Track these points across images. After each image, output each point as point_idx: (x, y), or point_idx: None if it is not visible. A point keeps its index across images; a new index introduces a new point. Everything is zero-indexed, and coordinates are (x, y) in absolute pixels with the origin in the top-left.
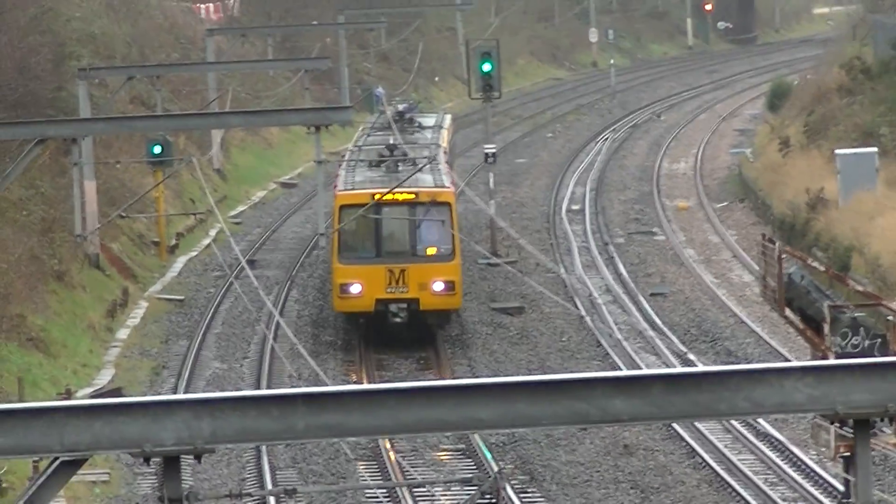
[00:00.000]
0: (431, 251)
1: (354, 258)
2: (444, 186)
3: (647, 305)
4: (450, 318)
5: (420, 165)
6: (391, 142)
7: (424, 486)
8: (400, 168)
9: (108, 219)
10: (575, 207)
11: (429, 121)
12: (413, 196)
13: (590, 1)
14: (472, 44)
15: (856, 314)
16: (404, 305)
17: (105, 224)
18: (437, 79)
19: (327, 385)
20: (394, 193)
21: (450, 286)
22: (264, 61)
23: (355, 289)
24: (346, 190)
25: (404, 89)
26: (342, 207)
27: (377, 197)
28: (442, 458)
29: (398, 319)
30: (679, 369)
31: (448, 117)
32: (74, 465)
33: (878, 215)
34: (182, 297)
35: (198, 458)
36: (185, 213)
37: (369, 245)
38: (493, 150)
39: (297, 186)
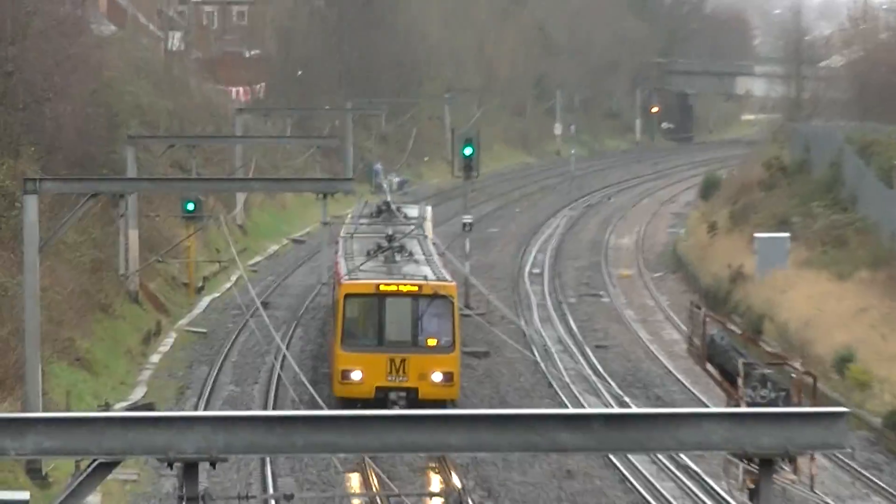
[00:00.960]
0: (432, 342)
1: (357, 346)
2: (446, 280)
3: (592, 355)
4: (445, 407)
5: (415, 256)
6: (389, 232)
7: (400, 497)
8: (398, 258)
9: (147, 262)
10: (536, 271)
11: (412, 212)
12: (416, 288)
13: (556, 100)
14: (457, 131)
15: (765, 370)
16: (403, 394)
17: (144, 266)
18: (426, 158)
19: (324, 409)
20: (398, 285)
21: (448, 377)
22: (283, 137)
23: (356, 375)
24: (351, 279)
25: (399, 166)
26: (347, 296)
27: (382, 288)
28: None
29: (397, 407)
30: (616, 410)
31: (429, 209)
32: (110, 466)
33: (787, 289)
34: (205, 331)
35: (213, 464)
36: (211, 261)
37: (372, 334)
38: (470, 220)
39: (306, 242)
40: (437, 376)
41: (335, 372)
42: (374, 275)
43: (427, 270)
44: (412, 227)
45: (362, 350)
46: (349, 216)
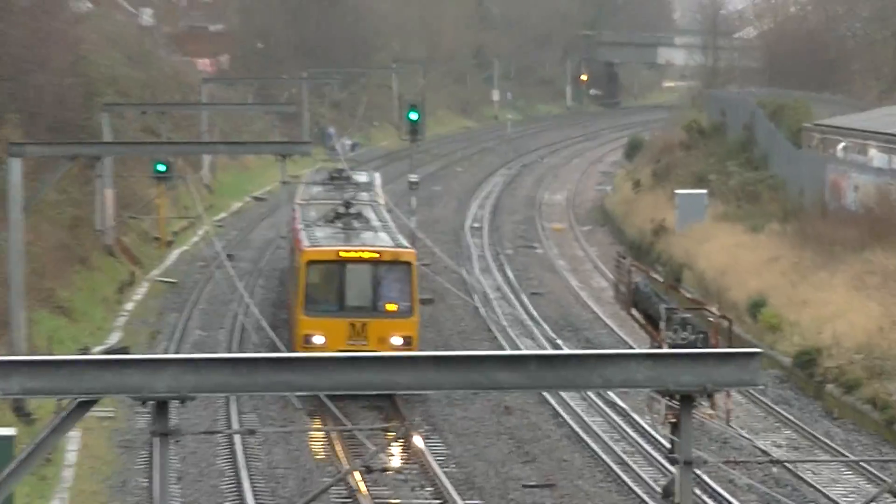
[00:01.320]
0: (392, 307)
1: (318, 311)
2: (405, 247)
3: (527, 302)
4: None
5: (369, 221)
6: (345, 198)
7: (352, 431)
8: (356, 225)
9: (122, 219)
10: (476, 225)
11: (362, 178)
12: (377, 255)
13: (494, 70)
14: (404, 98)
15: (685, 315)
16: None
17: (119, 222)
18: (375, 123)
19: (282, 352)
20: (358, 251)
21: (408, 341)
22: (245, 104)
23: (318, 340)
24: (312, 246)
25: (350, 130)
26: (309, 263)
27: (342, 254)
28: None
29: None
30: (549, 351)
31: (377, 175)
32: (89, 404)
33: (704, 241)
34: (175, 281)
35: (182, 402)
36: (180, 217)
37: (333, 299)
38: (416, 179)
39: (266, 200)
40: (396, 340)
41: (297, 337)
42: (334, 241)
43: (386, 237)
44: (366, 193)
45: (324, 315)
46: (303, 182)
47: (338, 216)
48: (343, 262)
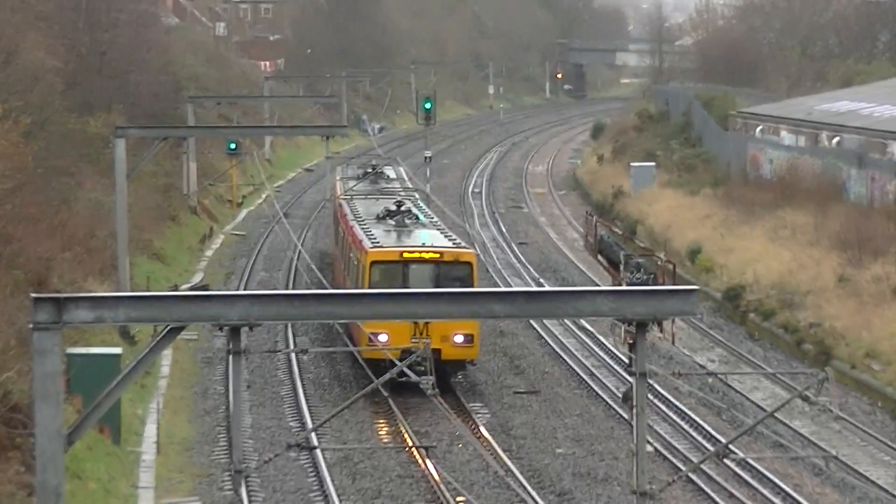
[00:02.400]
0: None
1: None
2: (465, 248)
3: (516, 249)
4: (465, 367)
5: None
6: (398, 197)
7: (382, 350)
8: (409, 223)
9: (202, 185)
10: (476, 190)
11: (391, 172)
12: (439, 255)
13: (489, 70)
14: (420, 92)
15: (639, 260)
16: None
17: (200, 188)
18: (398, 111)
19: (327, 289)
20: (421, 252)
21: (469, 339)
22: (297, 97)
23: (382, 338)
24: (375, 247)
25: (378, 117)
26: (373, 263)
27: (405, 255)
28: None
29: (421, 368)
30: (534, 288)
31: (402, 169)
32: (178, 330)
33: (653, 203)
34: (244, 233)
35: (251, 328)
36: (247, 184)
37: None
38: (430, 154)
39: (314, 171)
40: (458, 338)
41: (362, 334)
42: (396, 242)
43: (444, 237)
44: (413, 191)
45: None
46: (339, 178)
47: (389, 214)
48: (406, 263)
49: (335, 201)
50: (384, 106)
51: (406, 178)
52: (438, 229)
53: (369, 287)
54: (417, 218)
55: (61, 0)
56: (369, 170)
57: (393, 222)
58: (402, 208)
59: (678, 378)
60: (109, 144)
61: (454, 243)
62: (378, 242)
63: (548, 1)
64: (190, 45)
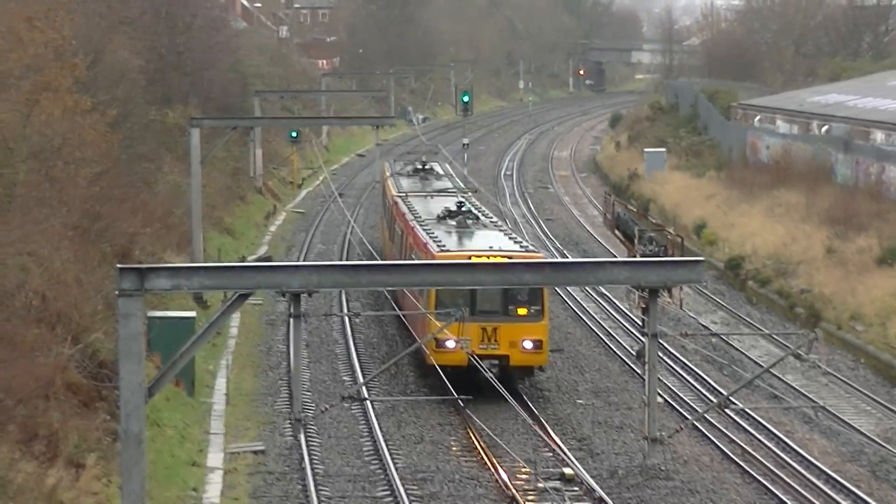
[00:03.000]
0: (522, 311)
1: (449, 316)
2: (534, 251)
3: (543, 225)
4: (533, 372)
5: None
6: (459, 199)
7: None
8: (469, 224)
9: (267, 169)
10: (507, 173)
11: (438, 168)
12: (508, 259)
13: (520, 67)
14: (458, 86)
15: (651, 234)
16: (496, 362)
17: (265, 171)
18: (439, 104)
19: (377, 260)
20: (489, 256)
21: (538, 345)
22: (350, 91)
23: (450, 344)
24: (442, 251)
25: (422, 109)
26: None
27: (474, 259)
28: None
29: (492, 371)
30: (559, 259)
31: (447, 165)
32: (246, 296)
33: (664, 184)
34: (304, 211)
35: (310, 294)
36: (306, 168)
37: (464, 304)
38: (467, 142)
39: (365, 156)
40: (527, 344)
41: (429, 342)
42: (462, 245)
43: (508, 239)
44: (468, 191)
45: (455, 320)
46: (390, 175)
47: (450, 214)
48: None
49: (389, 198)
50: (427, 99)
51: (454, 174)
52: (501, 231)
53: (437, 292)
54: (477, 218)
55: (143, 6)
56: (419, 166)
57: (454, 223)
58: (463, 208)
59: (685, 338)
60: (185, 134)
61: (522, 246)
62: (444, 245)
63: (571, 6)
64: (256, 46)
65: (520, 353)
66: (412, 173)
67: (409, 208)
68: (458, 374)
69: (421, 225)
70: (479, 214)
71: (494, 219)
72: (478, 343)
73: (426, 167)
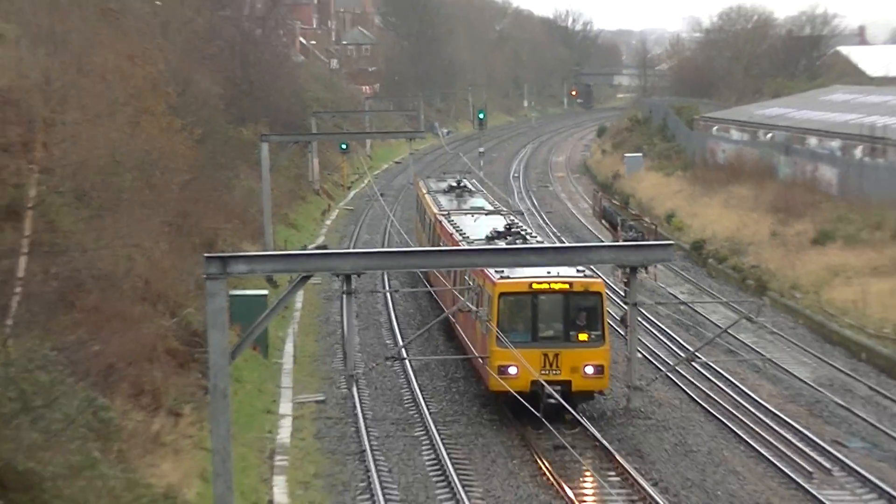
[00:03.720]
0: (583, 337)
1: (511, 342)
2: (593, 277)
3: (544, 216)
4: (594, 396)
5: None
6: (509, 221)
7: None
8: (518, 245)
9: (322, 174)
10: (515, 175)
11: (470, 185)
12: (567, 286)
13: (524, 89)
14: (475, 105)
15: (631, 222)
16: (557, 387)
17: (321, 176)
18: (459, 120)
19: (412, 247)
20: (549, 283)
21: (599, 370)
22: (388, 111)
23: (512, 370)
24: (502, 279)
25: (446, 124)
26: (501, 295)
27: (534, 286)
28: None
29: (552, 401)
30: (557, 244)
31: (475, 181)
32: (308, 277)
33: (641, 182)
34: (352, 208)
35: (358, 275)
36: (353, 173)
37: (525, 330)
38: (482, 150)
39: (401, 163)
40: (588, 369)
41: (491, 367)
42: (524, 273)
43: (567, 267)
44: (517, 212)
45: (517, 346)
46: (429, 192)
47: (500, 235)
48: (535, 294)
49: (430, 216)
50: (450, 116)
51: (485, 191)
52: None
53: (498, 319)
54: (525, 240)
55: (221, 45)
56: (454, 184)
57: (504, 244)
58: (512, 229)
59: (659, 305)
60: (257, 147)
61: (580, 272)
62: (503, 272)
63: (565, 39)
64: (312, 75)
65: (581, 379)
66: (448, 190)
67: (455, 228)
68: (519, 400)
69: (469, 244)
70: (527, 235)
71: (541, 240)
72: (539, 369)
73: (460, 184)
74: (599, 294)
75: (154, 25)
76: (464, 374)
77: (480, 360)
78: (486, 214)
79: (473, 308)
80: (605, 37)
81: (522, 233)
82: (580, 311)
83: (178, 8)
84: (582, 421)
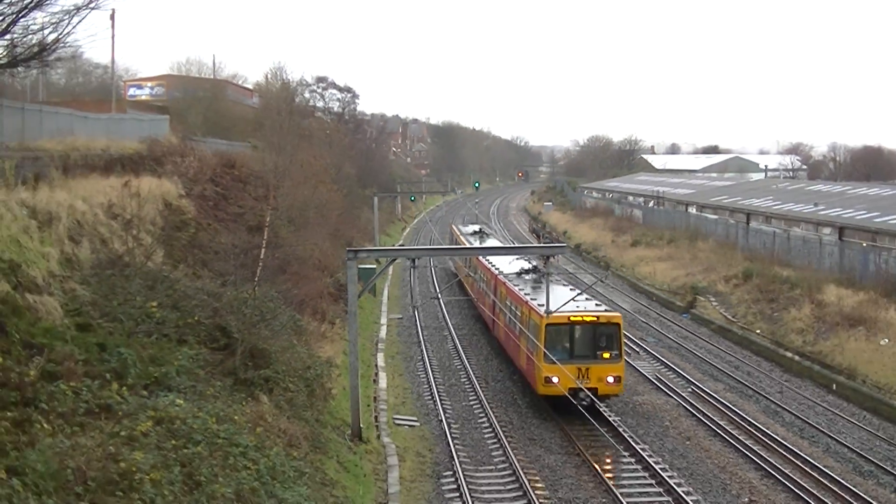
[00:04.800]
0: (606, 355)
1: (554, 360)
2: (614, 312)
3: (506, 232)
4: (611, 398)
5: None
6: (532, 263)
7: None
8: (542, 280)
9: (403, 211)
10: (494, 210)
11: (486, 230)
12: (595, 318)
13: (497, 172)
14: (473, 178)
15: (547, 234)
16: (588, 392)
17: (402, 212)
18: (465, 186)
19: (442, 245)
20: (583, 316)
21: (617, 379)
22: (432, 181)
23: (555, 380)
24: (548, 314)
25: (460, 186)
26: (548, 326)
27: (572, 318)
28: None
29: (584, 402)
30: (516, 245)
31: (488, 227)
32: (394, 260)
33: (552, 216)
34: (416, 227)
35: (418, 259)
36: (416, 211)
37: (564, 351)
38: (478, 200)
39: (440, 206)
40: (610, 379)
41: (538, 378)
42: (564, 309)
43: (593, 303)
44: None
45: (558, 362)
46: (457, 230)
47: (527, 271)
48: (572, 324)
49: (483, 269)
50: (461, 184)
51: (496, 234)
52: (588, 297)
53: (545, 345)
54: (543, 275)
55: (355, 147)
56: (476, 229)
57: (531, 278)
58: (537, 268)
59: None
60: (371, 199)
61: (605, 309)
62: (544, 305)
63: (516, 149)
64: (397, 165)
65: (605, 386)
66: (473, 234)
67: (490, 264)
68: (558, 400)
69: (521, 290)
70: (543, 271)
71: (572, 284)
72: (574, 379)
73: (481, 230)
74: (618, 324)
75: (325, 141)
76: (469, 310)
77: (528, 370)
78: (512, 254)
79: (527, 333)
80: (534, 147)
81: (540, 269)
82: (604, 337)
83: (336, 134)
84: (604, 412)
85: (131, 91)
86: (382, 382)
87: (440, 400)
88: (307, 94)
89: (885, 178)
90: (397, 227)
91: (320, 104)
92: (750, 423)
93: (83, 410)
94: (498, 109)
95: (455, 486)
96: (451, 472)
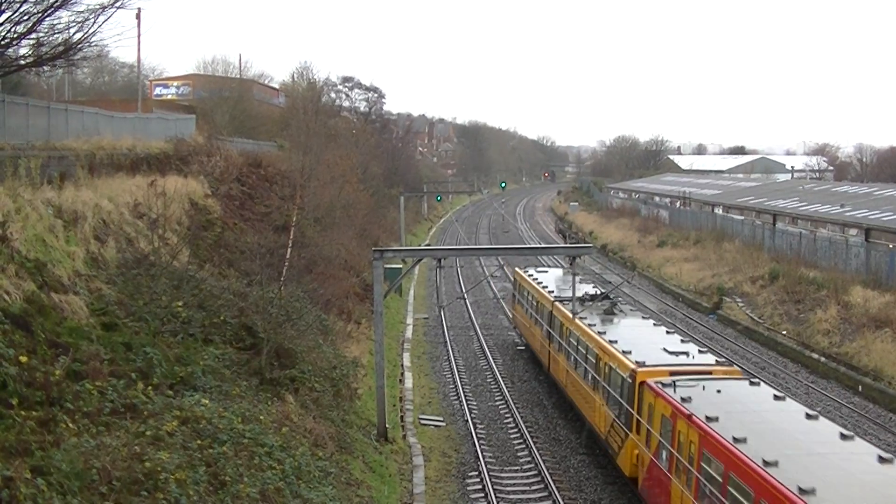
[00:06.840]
0: None
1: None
2: (729, 365)
3: (532, 232)
4: None
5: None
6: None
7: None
8: (615, 312)
9: (429, 210)
10: (519, 213)
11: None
12: (709, 372)
13: (523, 172)
14: (500, 178)
15: (573, 235)
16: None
17: (428, 212)
18: (492, 185)
19: (468, 245)
20: (686, 368)
21: None
22: (459, 181)
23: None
24: (643, 367)
25: (487, 187)
26: (642, 384)
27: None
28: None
29: None
30: (542, 245)
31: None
32: (420, 260)
33: (577, 216)
34: (442, 226)
35: (444, 259)
36: (443, 211)
37: None
38: (504, 200)
39: (467, 206)
40: None
41: (629, 456)
42: (662, 359)
43: (701, 351)
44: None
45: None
46: (524, 272)
47: (592, 297)
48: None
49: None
50: (487, 184)
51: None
52: (691, 343)
53: (637, 405)
54: (614, 303)
55: (382, 146)
56: (535, 272)
57: (601, 309)
58: (599, 291)
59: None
60: (398, 198)
61: (718, 360)
62: (643, 361)
63: (542, 149)
64: (424, 165)
65: None
66: (534, 271)
67: (539, 284)
68: None
69: (601, 335)
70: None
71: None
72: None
73: (539, 269)
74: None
75: (351, 141)
76: (499, 309)
77: (609, 441)
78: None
79: (615, 394)
80: (560, 148)
81: (610, 296)
82: None
83: (362, 133)
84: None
85: (157, 90)
86: (408, 382)
87: (466, 400)
88: (333, 94)
89: None
90: (423, 227)
91: (346, 104)
92: None
93: (108, 410)
94: (524, 109)
95: (480, 487)
96: (476, 473)
